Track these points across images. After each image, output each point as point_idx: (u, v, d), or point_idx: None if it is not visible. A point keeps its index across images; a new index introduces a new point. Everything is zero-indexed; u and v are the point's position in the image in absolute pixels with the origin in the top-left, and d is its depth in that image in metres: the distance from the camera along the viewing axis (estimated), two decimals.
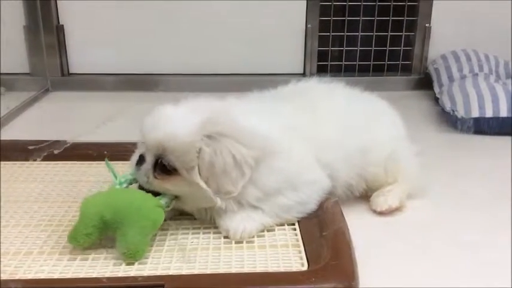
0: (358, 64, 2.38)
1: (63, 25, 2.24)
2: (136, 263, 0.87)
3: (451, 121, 1.80)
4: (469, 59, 2.19)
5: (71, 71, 2.31)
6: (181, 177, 0.93)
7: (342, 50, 2.37)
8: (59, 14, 2.24)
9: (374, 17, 2.32)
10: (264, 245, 0.95)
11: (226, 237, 0.97)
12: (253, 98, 1.16)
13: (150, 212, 0.90)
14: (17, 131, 1.77)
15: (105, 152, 1.24)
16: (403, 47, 2.38)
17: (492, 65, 2.19)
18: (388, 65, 2.40)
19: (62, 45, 2.25)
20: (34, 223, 1.01)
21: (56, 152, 1.30)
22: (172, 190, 0.95)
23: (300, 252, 0.92)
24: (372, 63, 2.39)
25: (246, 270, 0.86)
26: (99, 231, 0.89)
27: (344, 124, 1.13)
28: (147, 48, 2.29)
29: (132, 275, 0.84)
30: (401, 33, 2.36)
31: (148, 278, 0.80)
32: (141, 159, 0.96)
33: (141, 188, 0.97)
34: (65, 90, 2.27)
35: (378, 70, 2.40)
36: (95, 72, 2.31)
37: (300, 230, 0.99)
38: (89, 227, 0.89)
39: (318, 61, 2.35)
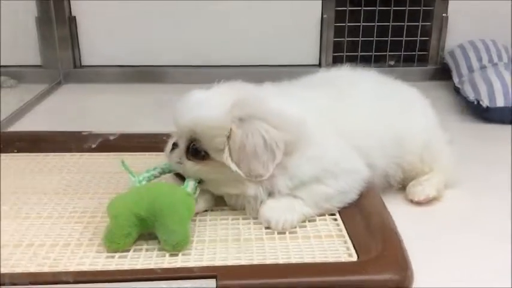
0: (374, 55, 2.35)
1: (75, 16, 2.21)
2: (180, 254, 0.84)
3: (474, 111, 1.78)
4: (487, 48, 2.16)
5: (83, 63, 2.27)
6: (213, 160, 0.92)
7: (358, 40, 2.34)
8: (71, 5, 2.21)
9: (390, 6, 2.29)
10: (307, 236, 0.92)
11: (267, 227, 0.94)
12: (285, 84, 1.13)
13: (183, 200, 0.88)
14: (31, 124, 1.74)
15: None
16: (420, 37, 2.35)
17: (510, 55, 2.16)
18: (405, 56, 2.37)
19: (74, 37, 2.22)
20: (67, 215, 0.98)
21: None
22: (204, 173, 0.94)
23: (345, 242, 0.89)
24: (388, 53, 2.36)
25: (293, 260, 0.84)
26: (137, 229, 0.86)
27: (379, 112, 1.10)
28: (160, 39, 2.26)
29: (179, 266, 0.81)
30: (417, 23, 2.33)
31: (203, 268, 0.77)
32: (174, 146, 0.96)
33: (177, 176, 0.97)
34: (77, 82, 2.24)
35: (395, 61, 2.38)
36: (108, 64, 2.28)
37: (343, 221, 0.96)
38: (126, 227, 0.85)
39: (334, 52, 2.32)
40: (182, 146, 0.95)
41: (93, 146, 1.28)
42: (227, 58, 2.29)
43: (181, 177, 0.96)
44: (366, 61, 2.35)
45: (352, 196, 1.00)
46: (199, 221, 0.95)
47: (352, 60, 2.35)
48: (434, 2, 2.29)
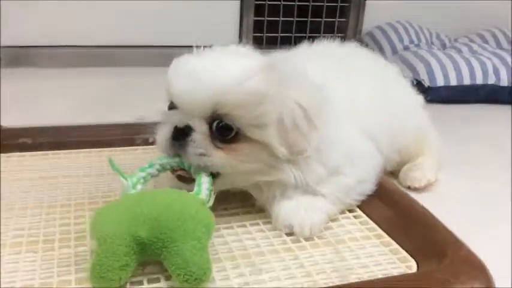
0: (294, 36, 2.24)
1: None
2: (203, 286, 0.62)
3: None
4: (406, 30, 2.16)
5: None
6: (248, 141, 0.71)
7: (278, 20, 2.21)
8: None
9: None
10: (342, 239, 0.75)
11: (289, 233, 0.75)
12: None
13: (198, 213, 0.64)
14: None
15: None
16: (338, 18, 2.29)
17: (427, 36, 2.18)
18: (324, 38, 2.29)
19: None
20: (9, 241, 0.70)
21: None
22: (235, 162, 0.71)
23: (388, 244, 0.74)
24: (307, 35, 2.26)
25: (345, 274, 0.66)
26: (135, 258, 0.62)
27: (380, 90, 0.96)
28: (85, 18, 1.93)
29: None
30: (336, 4, 2.26)
31: None
32: (180, 132, 0.71)
33: (179, 176, 0.73)
34: None
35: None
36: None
37: (369, 216, 0.81)
38: (121, 256, 0.60)
39: (254, 32, 2.17)
40: (201, 127, 0.70)
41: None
42: (133, 39, 2.02)
43: (184, 177, 0.73)
44: (286, 43, 2.22)
45: (371, 186, 0.84)
46: None
47: (271, 41, 2.22)
48: None
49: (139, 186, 0.69)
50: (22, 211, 0.78)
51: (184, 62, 0.72)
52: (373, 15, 2.29)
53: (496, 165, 1.21)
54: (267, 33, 2.19)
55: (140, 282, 0.63)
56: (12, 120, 1.13)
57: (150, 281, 0.63)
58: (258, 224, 0.78)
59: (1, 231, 0.72)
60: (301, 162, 0.74)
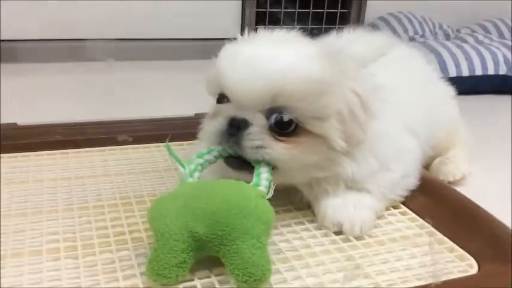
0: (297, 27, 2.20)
1: None
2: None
3: None
4: (410, 21, 2.13)
5: None
6: (307, 134, 0.67)
7: (280, 11, 2.17)
8: None
9: None
10: (393, 238, 0.72)
11: (338, 232, 0.72)
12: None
13: (257, 208, 0.60)
14: None
15: None
16: (340, 9, 2.26)
17: (431, 27, 2.16)
18: (325, 29, 2.26)
19: None
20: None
21: None
22: (294, 156, 0.67)
23: (442, 241, 0.71)
24: (309, 26, 2.23)
25: (408, 275, 0.63)
26: (193, 254, 0.59)
27: (417, 82, 0.93)
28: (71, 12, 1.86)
29: None
30: None
31: None
32: (235, 124, 0.66)
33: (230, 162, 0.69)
34: None
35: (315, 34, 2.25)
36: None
37: (415, 213, 0.78)
38: (179, 253, 0.57)
39: (256, 24, 2.13)
40: (259, 119, 0.66)
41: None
42: (146, 32, 1.96)
43: (238, 165, 0.68)
44: None
45: (414, 181, 0.81)
46: None
47: None
48: None
49: (196, 174, 0.65)
50: (52, 214, 0.74)
51: (237, 52, 0.68)
52: (375, 6, 2.27)
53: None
54: (268, 24, 2.15)
55: (192, 281, 0.59)
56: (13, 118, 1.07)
57: (203, 283, 0.59)
58: (302, 222, 0.75)
59: (32, 235, 0.68)
60: (356, 155, 0.71)
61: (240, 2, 2.06)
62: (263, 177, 0.65)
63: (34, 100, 1.48)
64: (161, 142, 1.00)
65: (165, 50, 1.96)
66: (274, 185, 0.65)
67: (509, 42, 1.87)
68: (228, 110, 0.68)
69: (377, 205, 0.75)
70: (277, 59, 0.65)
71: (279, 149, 0.66)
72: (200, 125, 0.86)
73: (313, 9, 2.19)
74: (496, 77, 1.68)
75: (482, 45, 1.81)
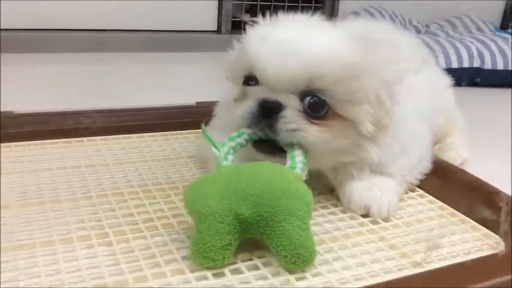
0: None
1: None
2: (308, 269, 0.58)
3: None
4: (382, 15, 2.18)
5: None
6: (337, 118, 0.67)
7: (256, 4, 2.16)
8: None
9: None
10: (419, 219, 0.73)
11: (364, 215, 0.72)
12: None
13: (298, 191, 0.60)
14: None
15: None
16: (315, 3, 2.28)
17: (402, 22, 2.21)
18: None
19: None
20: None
21: None
22: (326, 139, 0.67)
23: (465, 221, 0.73)
24: None
25: (444, 252, 0.64)
26: (238, 236, 0.58)
27: (419, 65, 0.95)
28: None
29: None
30: None
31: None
32: (268, 107, 0.65)
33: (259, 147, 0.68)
34: None
35: None
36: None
37: (433, 195, 0.80)
38: (224, 235, 0.57)
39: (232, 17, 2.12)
40: (293, 103, 0.65)
41: None
42: (117, 22, 1.91)
43: (269, 149, 0.67)
44: None
45: (429, 165, 0.83)
46: None
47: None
48: None
49: (230, 157, 0.64)
50: (72, 202, 0.71)
51: (268, 34, 0.67)
52: (348, 1, 2.30)
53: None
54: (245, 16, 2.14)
55: (235, 264, 0.58)
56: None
57: (247, 266, 0.58)
58: (327, 206, 0.75)
59: (57, 224, 0.65)
60: (380, 140, 0.72)
61: None
62: (298, 160, 0.64)
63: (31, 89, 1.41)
64: (167, 131, 0.98)
65: (140, 42, 1.91)
66: (307, 168, 0.65)
67: (480, 36, 1.93)
68: (258, 93, 0.67)
69: (397, 188, 0.77)
70: (313, 41, 0.65)
71: (313, 132, 0.66)
72: (213, 113, 0.85)
73: (288, 3, 2.20)
74: (471, 69, 1.74)
75: (456, 39, 1.87)
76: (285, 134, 0.65)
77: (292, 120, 0.65)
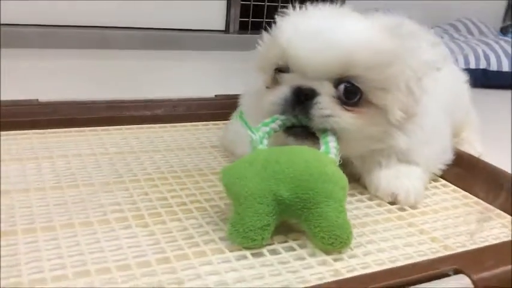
0: None
1: None
2: (344, 251, 0.60)
3: None
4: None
5: None
6: (369, 106, 0.68)
7: (264, 5, 2.18)
8: None
9: None
10: (445, 207, 0.74)
11: (391, 202, 0.74)
12: None
13: (335, 175, 0.61)
14: None
15: None
16: None
17: None
18: None
19: None
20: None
21: None
22: (359, 126, 0.68)
23: (489, 209, 0.75)
24: None
25: (472, 238, 0.66)
26: (276, 218, 0.59)
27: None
28: None
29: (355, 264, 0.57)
30: None
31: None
32: (302, 93, 0.67)
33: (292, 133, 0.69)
34: None
35: None
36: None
37: (456, 185, 0.82)
38: (263, 216, 0.58)
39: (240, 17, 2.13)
40: (327, 90, 0.67)
41: None
42: (125, 20, 1.91)
43: (302, 135, 0.68)
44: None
45: (450, 155, 0.85)
46: None
47: (257, 26, 2.18)
48: None
49: (265, 141, 0.65)
50: (105, 186, 0.72)
51: (301, 23, 0.69)
52: (353, 2, 2.32)
53: None
54: (252, 18, 2.16)
55: (271, 244, 0.59)
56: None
57: (284, 247, 0.59)
58: (353, 194, 0.76)
59: (93, 206, 0.66)
60: (407, 128, 0.73)
61: None
62: (331, 146, 0.65)
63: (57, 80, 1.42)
64: (188, 122, 0.99)
65: (150, 40, 1.92)
66: (340, 154, 0.66)
67: (485, 39, 1.96)
68: (291, 80, 0.68)
69: (422, 176, 0.78)
70: (347, 29, 0.67)
71: (347, 119, 0.67)
72: (238, 104, 0.86)
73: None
74: (477, 71, 1.76)
75: (461, 41, 1.89)
76: (319, 119, 0.66)
77: (326, 106, 0.66)
